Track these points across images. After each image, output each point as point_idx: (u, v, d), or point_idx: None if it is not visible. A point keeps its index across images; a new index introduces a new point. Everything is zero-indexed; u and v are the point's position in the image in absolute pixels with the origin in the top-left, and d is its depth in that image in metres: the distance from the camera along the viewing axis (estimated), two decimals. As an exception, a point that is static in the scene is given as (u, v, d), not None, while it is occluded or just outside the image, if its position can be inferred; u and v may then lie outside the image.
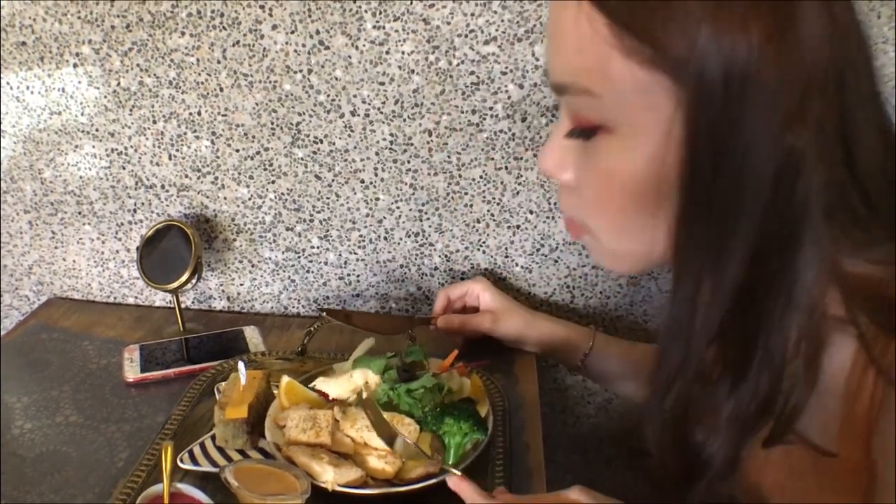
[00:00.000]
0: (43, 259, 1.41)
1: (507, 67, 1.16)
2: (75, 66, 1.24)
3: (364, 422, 0.93)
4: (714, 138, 0.56)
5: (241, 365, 1.00)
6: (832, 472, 0.67)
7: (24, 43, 1.24)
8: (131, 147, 1.28)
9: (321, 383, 1.03)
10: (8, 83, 1.27)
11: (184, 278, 1.23)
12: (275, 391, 1.03)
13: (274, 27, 1.17)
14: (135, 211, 1.33)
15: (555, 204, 1.24)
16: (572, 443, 1.45)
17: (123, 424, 1.07)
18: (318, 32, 1.17)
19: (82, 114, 1.27)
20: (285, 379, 1.02)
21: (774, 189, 0.56)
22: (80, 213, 1.35)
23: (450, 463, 0.90)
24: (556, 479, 0.92)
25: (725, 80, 0.54)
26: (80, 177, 1.32)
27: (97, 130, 1.28)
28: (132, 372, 1.17)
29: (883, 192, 0.61)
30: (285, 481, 0.86)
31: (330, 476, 0.87)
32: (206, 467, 0.94)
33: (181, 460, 0.94)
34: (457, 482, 0.84)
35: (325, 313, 1.13)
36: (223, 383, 1.07)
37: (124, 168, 1.30)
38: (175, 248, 1.25)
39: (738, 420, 0.64)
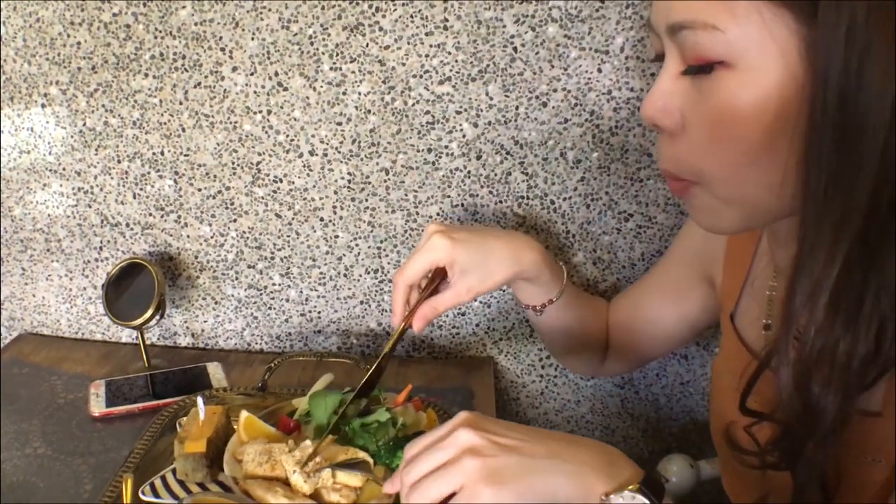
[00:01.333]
0: (14, 295, 1.47)
1: (461, 107, 1.23)
2: (43, 106, 1.31)
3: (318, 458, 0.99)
4: (836, 78, 0.60)
5: (199, 400, 1.06)
6: (871, 437, 0.71)
7: (-7, 84, 1.31)
8: (97, 186, 1.35)
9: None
10: (-22, 123, 1.35)
11: (147, 315, 1.29)
12: (234, 426, 1.09)
13: (234, 69, 1.24)
14: (101, 248, 1.40)
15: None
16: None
17: (89, 457, 1.13)
18: (276, 74, 1.24)
19: (50, 153, 1.34)
20: (244, 414, 1.07)
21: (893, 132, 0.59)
22: (48, 250, 1.41)
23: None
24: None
25: (850, 27, 0.58)
26: (49, 214, 1.39)
27: (64, 169, 1.35)
28: (98, 406, 1.23)
29: None
30: None
31: None
32: (167, 500, 0.99)
33: (143, 493, 1.00)
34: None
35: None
36: (184, 418, 1.12)
37: (90, 206, 1.37)
38: (139, 285, 1.31)
39: (849, 368, 0.65)
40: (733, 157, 0.69)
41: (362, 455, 0.99)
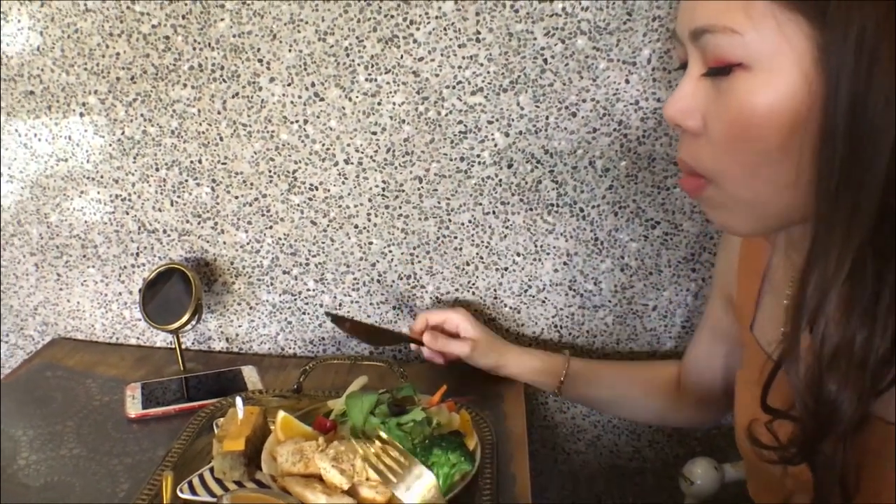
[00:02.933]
0: (48, 300, 1.55)
1: (493, 117, 1.31)
2: (81, 115, 1.39)
3: (354, 454, 1.06)
4: (846, 81, 0.66)
5: (238, 400, 1.14)
6: (889, 444, 0.75)
7: (32, 92, 1.39)
8: (134, 193, 1.43)
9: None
10: (16, 130, 1.42)
11: (184, 319, 1.37)
12: (271, 426, 1.16)
13: (272, 80, 1.32)
14: (137, 255, 1.48)
15: (540, 246, 1.38)
16: (563, 478, 1.57)
17: (125, 457, 1.19)
18: (313, 85, 1.32)
19: (87, 161, 1.42)
20: (281, 414, 1.14)
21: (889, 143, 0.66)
22: (84, 256, 1.49)
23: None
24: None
25: (860, 31, 0.65)
26: (85, 221, 1.47)
27: (102, 177, 1.43)
28: (134, 408, 1.29)
29: None
30: None
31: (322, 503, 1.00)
32: (205, 497, 1.05)
33: (181, 490, 1.06)
34: None
35: (329, 317, 1.29)
36: (221, 419, 1.19)
37: (127, 213, 1.45)
38: (176, 290, 1.39)
39: (866, 366, 0.69)
40: (749, 156, 0.75)
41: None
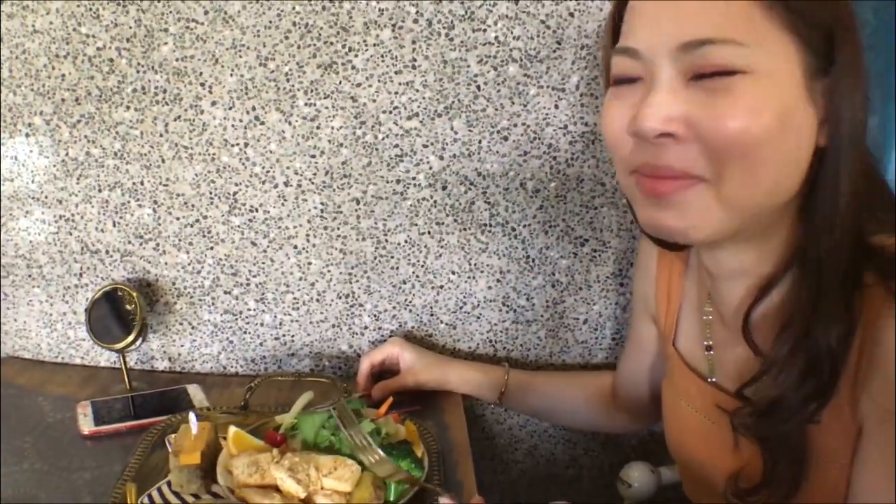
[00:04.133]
0: (-5, 319, 1.60)
1: (428, 140, 1.40)
2: (27, 135, 1.45)
3: (310, 464, 1.14)
4: (848, 118, 0.80)
5: (192, 416, 1.19)
6: (820, 441, 0.88)
7: (-21, 112, 1.45)
8: (78, 214, 1.48)
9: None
10: (-36, 151, 1.47)
11: (130, 339, 1.43)
12: (222, 441, 1.22)
13: (213, 103, 1.40)
14: (81, 275, 1.53)
15: (474, 265, 1.48)
16: (503, 488, 1.66)
17: (83, 472, 1.25)
18: (254, 109, 1.40)
19: (33, 181, 1.47)
20: (233, 429, 1.20)
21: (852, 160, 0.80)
22: (29, 275, 1.54)
23: (391, 499, 1.10)
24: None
25: (857, 69, 0.79)
26: (30, 241, 1.51)
27: (46, 197, 1.48)
28: (87, 425, 1.34)
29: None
30: None
31: None
32: None
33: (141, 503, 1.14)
34: (447, 502, 1.00)
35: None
36: (173, 435, 1.26)
37: (71, 234, 1.50)
38: (120, 310, 1.45)
39: (813, 367, 0.84)
40: (747, 156, 0.81)
41: (350, 462, 1.14)
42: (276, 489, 1.11)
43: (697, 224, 0.86)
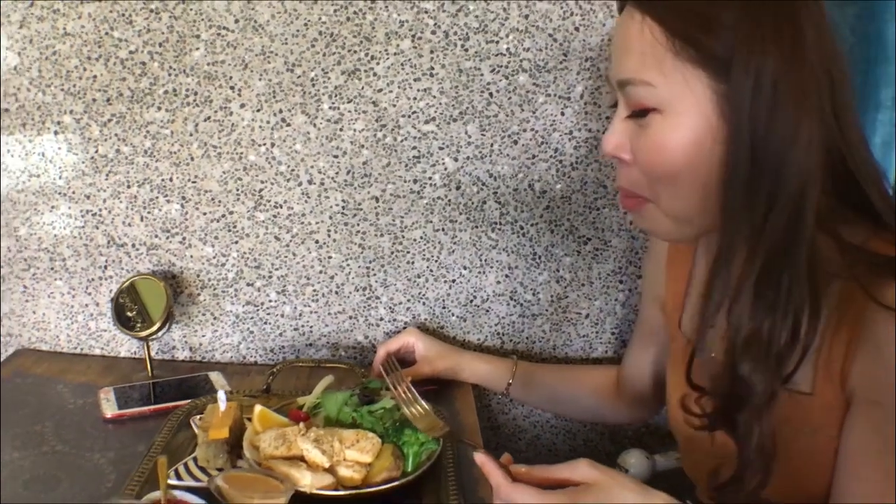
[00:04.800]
0: (13, 311, 1.65)
1: (443, 143, 1.50)
2: (56, 133, 1.52)
3: (334, 437, 1.22)
4: (745, 123, 0.87)
5: (221, 393, 1.26)
6: (808, 413, 0.95)
7: (6, 110, 1.51)
8: (105, 209, 1.56)
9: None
10: (-12, 147, 1.54)
11: (156, 327, 1.50)
12: (246, 423, 1.28)
13: (242, 105, 1.49)
14: (105, 267, 1.60)
15: (485, 260, 1.57)
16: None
17: (107, 452, 1.29)
18: (280, 111, 1.49)
19: (60, 177, 1.55)
20: (258, 407, 1.28)
21: (791, 173, 0.86)
22: (52, 268, 1.61)
23: (408, 470, 1.19)
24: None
25: (756, 83, 0.86)
26: (55, 235, 1.58)
27: (73, 193, 1.55)
28: (110, 409, 1.40)
29: (870, 178, 0.92)
30: (269, 485, 1.11)
31: (308, 480, 1.12)
32: (190, 482, 1.18)
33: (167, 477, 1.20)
34: (482, 458, 1.01)
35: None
36: (198, 416, 1.33)
37: (97, 227, 1.57)
38: (146, 300, 1.52)
39: (771, 351, 0.89)
40: (669, 181, 0.94)
41: (371, 435, 1.22)
42: (302, 460, 1.18)
43: (658, 231, 1.04)
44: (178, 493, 1.13)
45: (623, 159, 0.98)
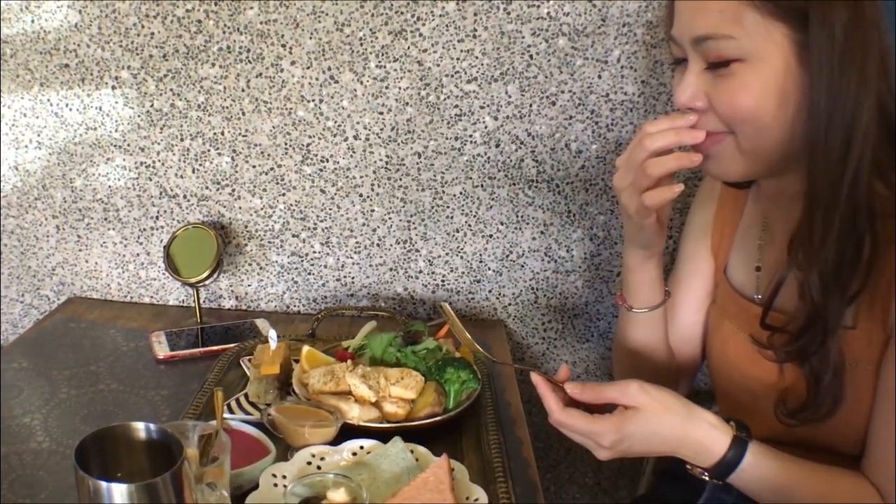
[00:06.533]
0: (66, 261, 1.73)
1: (484, 103, 1.57)
2: (113, 87, 1.60)
3: (380, 374, 1.29)
4: (824, 71, 0.95)
5: (272, 332, 1.34)
6: (850, 346, 1.02)
7: (66, 65, 1.59)
8: (159, 161, 1.63)
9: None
10: (49, 100, 1.61)
11: (206, 274, 1.57)
12: (294, 364, 1.35)
13: (292, 63, 1.55)
14: (157, 218, 1.68)
15: (521, 217, 1.64)
16: (536, 430, 1.79)
17: (161, 390, 1.38)
18: (329, 69, 1.56)
19: (116, 130, 1.62)
20: (306, 347, 1.35)
21: (863, 118, 0.95)
22: (105, 218, 1.69)
23: (450, 406, 1.27)
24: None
25: (830, 32, 0.93)
26: (109, 186, 1.66)
27: (128, 145, 1.63)
28: (162, 350, 1.48)
29: None
30: (320, 416, 1.19)
31: (356, 412, 1.20)
32: (242, 416, 1.26)
33: (220, 411, 1.28)
34: (537, 378, 1.07)
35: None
36: (247, 357, 1.41)
37: (150, 179, 1.65)
38: (197, 248, 1.59)
39: (841, 274, 0.98)
40: (752, 119, 1.01)
41: (415, 373, 1.28)
42: (349, 395, 1.25)
43: (728, 169, 1.09)
44: (232, 423, 1.21)
45: (700, 108, 1.05)
